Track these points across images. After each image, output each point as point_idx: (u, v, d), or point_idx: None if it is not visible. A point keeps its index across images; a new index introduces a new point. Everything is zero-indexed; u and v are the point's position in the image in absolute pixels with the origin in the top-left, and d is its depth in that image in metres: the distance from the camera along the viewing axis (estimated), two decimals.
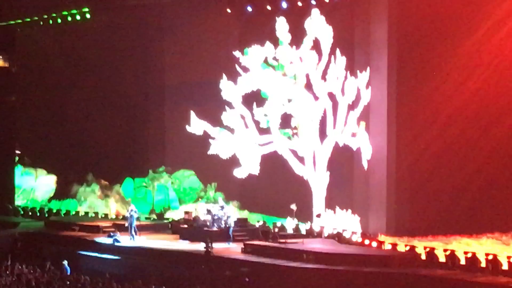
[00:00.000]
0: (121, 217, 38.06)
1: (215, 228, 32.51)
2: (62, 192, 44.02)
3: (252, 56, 36.43)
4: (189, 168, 42.68)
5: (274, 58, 36.31)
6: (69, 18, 41.32)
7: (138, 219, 33.80)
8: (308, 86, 35.86)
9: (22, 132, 44.87)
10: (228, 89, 36.92)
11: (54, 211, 41.11)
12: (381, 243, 30.67)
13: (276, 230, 31.68)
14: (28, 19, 42.42)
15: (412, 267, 27.18)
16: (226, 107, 37.06)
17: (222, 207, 33.10)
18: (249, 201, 39.84)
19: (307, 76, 35.85)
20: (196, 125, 37.42)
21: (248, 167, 36.74)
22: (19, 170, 44.31)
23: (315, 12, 35.40)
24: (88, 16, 40.99)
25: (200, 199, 41.68)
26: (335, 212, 35.00)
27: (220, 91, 37.09)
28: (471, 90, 33.56)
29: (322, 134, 35.80)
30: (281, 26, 36.06)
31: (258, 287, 27.23)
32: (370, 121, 34.80)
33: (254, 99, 36.61)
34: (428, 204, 33.71)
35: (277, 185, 37.95)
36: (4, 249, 33.56)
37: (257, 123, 36.64)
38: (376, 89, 34.50)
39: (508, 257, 26.46)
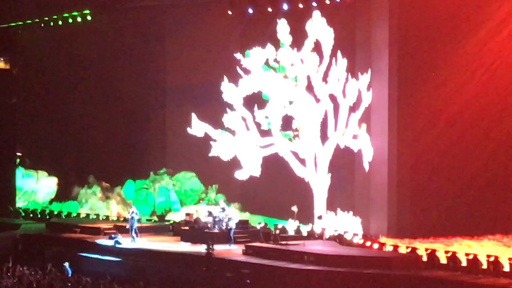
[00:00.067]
0: (122, 219, 38.06)
1: (216, 230, 32.51)
2: (63, 194, 44.05)
3: (253, 58, 36.41)
4: (190, 170, 42.69)
5: (275, 60, 36.29)
6: (70, 20, 41.37)
7: (139, 221, 33.80)
8: (309, 88, 35.84)
9: (23, 134, 44.90)
10: (229, 91, 36.90)
11: (55, 213, 41.15)
12: (382, 245, 30.66)
13: (277, 232, 31.65)
14: (29, 21, 42.49)
15: (413, 269, 27.17)
16: (227, 109, 37.03)
17: (223, 209, 33.11)
18: (250, 203, 39.85)
19: (308, 78, 35.84)
20: (197, 127, 37.39)
21: (249, 169, 36.71)
22: (20, 172, 44.34)
23: (316, 14, 35.40)
24: (89, 18, 41.03)
25: (201, 201, 41.68)
26: (336, 214, 34.96)
27: (221, 93, 37.06)
28: (472, 91, 33.57)
29: (323, 136, 35.79)
30: (282, 28, 36.05)
31: None
32: (371, 123, 34.80)
33: (255, 101, 36.59)
34: (429, 205, 33.70)
35: (278, 187, 37.95)
36: (5, 251, 33.59)
37: (258, 125, 36.61)
38: (377, 91, 34.50)
39: (510, 259, 26.45)
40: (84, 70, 44.01)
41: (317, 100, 35.73)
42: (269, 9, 36.74)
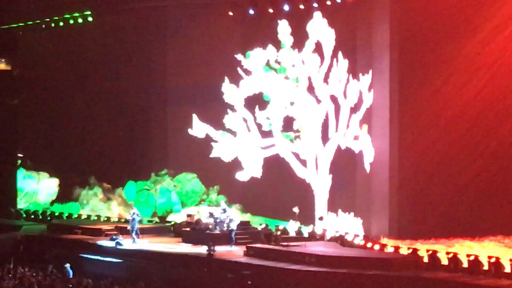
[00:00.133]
0: (123, 220, 38.05)
1: (217, 231, 32.51)
2: (65, 195, 44.05)
3: (254, 59, 36.44)
4: (192, 171, 42.69)
5: (276, 61, 36.32)
6: (71, 21, 41.41)
7: (140, 222, 33.80)
8: (310, 89, 35.85)
9: (24, 135, 44.94)
10: (231, 92, 36.92)
11: (57, 214, 41.15)
12: (383, 246, 30.65)
13: (279, 233, 31.63)
14: (30, 22, 42.52)
15: (414, 270, 27.15)
16: (229, 110, 37.06)
17: (225, 210, 33.11)
18: (252, 204, 39.84)
19: (309, 79, 35.85)
20: (199, 128, 37.42)
21: (251, 170, 36.73)
22: (21, 173, 44.35)
23: (317, 15, 35.42)
24: (90, 19, 41.06)
25: (202, 202, 41.67)
26: (337, 215, 34.98)
27: (223, 94, 37.09)
28: (473, 92, 33.57)
29: (325, 137, 35.80)
30: (283, 29, 36.07)
31: None
32: (372, 124, 34.80)
33: (256, 102, 36.61)
34: (431, 206, 33.69)
35: (279, 188, 37.95)
36: (6, 252, 33.57)
37: (259, 126, 36.63)
38: (378, 92, 34.50)
39: (511, 260, 26.44)
40: (85, 71, 44.02)
41: (318, 101, 35.74)
42: (270, 10, 36.76)
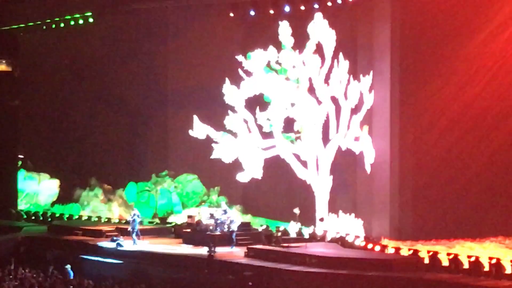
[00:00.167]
0: (124, 221, 38.04)
1: (218, 232, 32.50)
2: (65, 196, 44.03)
3: (255, 60, 36.44)
4: (192, 172, 42.68)
5: (277, 62, 36.32)
6: (72, 23, 41.36)
7: (141, 223, 33.79)
8: (311, 90, 35.86)
9: (25, 136, 44.90)
10: (231, 93, 36.92)
11: (57, 215, 41.12)
12: (384, 247, 30.65)
13: (279, 234, 31.65)
14: (31, 24, 42.46)
15: (415, 271, 27.14)
16: (229, 111, 37.05)
17: (225, 211, 33.11)
18: (252, 205, 39.84)
19: (310, 80, 35.86)
20: (199, 129, 37.41)
21: (251, 171, 36.73)
22: (22, 174, 44.33)
23: (318, 16, 35.42)
24: (91, 20, 41.02)
25: (203, 203, 41.67)
26: (338, 216, 34.98)
27: (223, 95, 37.08)
28: (473, 93, 33.59)
29: (325, 138, 35.80)
30: (284, 30, 36.07)
31: None
32: (373, 125, 34.80)
33: (257, 103, 36.61)
34: (431, 207, 33.69)
35: (280, 189, 37.96)
36: (7, 253, 33.57)
37: (260, 127, 36.63)
38: (379, 93, 34.51)
39: None
40: (86, 72, 44.02)
41: (319, 102, 35.74)
42: (271, 11, 36.73)
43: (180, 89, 43.03)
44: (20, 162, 44.65)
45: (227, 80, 37.02)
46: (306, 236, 33.40)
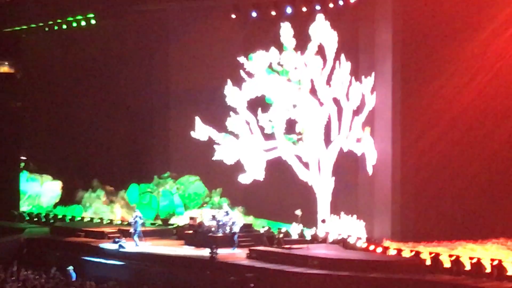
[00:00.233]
0: (126, 222, 38.08)
1: (220, 234, 32.51)
2: (68, 198, 44.09)
3: (257, 61, 36.46)
4: (194, 173, 42.70)
5: (279, 64, 36.34)
6: (74, 24, 41.45)
7: (143, 224, 33.83)
8: (313, 91, 35.87)
9: (27, 138, 44.99)
10: (233, 95, 36.94)
11: (60, 217, 41.18)
12: (386, 248, 30.66)
13: (281, 235, 31.66)
14: (33, 25, 42.56)
15: (417, 273, 27.14)
16: (231, 113, 37.07)
17: (227, 213, 33.11)
18: (254, 206, 39.85)
19: (312, 81, 35.87)
20: (201, 131, 37.44)
21: (253, 172, 36.75)
22: (24, 176, 44.40)
23: (320, 17, 35.44)
24: (93, 22, 41.10)
25: (205, 205, 41.69)
26: (340, 217, 34.98)
27: (225, 96, 37.11)
28: (475, 93, 33.61)
29: (327, 139, 35.81)
30: (286, 31, 36.09)
31: None
32: (375, 127, 34.80)
33: (259, 104, 36.63)
34: (433, 209, 33.69)
35: (282, 191, 37.96)
36: (9, 255, 33.62)
37: (262, 128, 36.66)
38: (381, 94, 34.52)
39: None
40: (88, 74, 44.06)
41: (321, 104, 35.75)
42: (273, 13, 36.79)
43: (182, 90, 43.07)
44: (22, 164, 44.72)
45: (229, 81, 37.05)
46: (308, 237, 33.41)
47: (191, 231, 34.15)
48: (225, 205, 35.46)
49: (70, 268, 29.26)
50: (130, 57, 43.55)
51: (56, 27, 41.90)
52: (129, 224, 34.99)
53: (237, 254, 30.99)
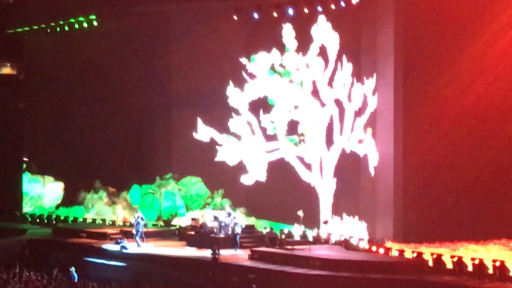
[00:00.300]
0: (128, 224, 38.11)
1: (222, 235, 32.52)
2: (70, 199, 44.10)
3: (259, 63, 36.51)
4: (196, 175, 42.71)
5: (281, 65, 36.38)
6: (76, 26, 41.50)
7: (145, 225, 33.85)
8: (315, 92, 35.90)
9: (29, 139, 45.00)
10: (235, 96, 36.99)
11: (62, 218, 41.18)
12: (388, 249, 30.66)
13: (283, 236, 31.70)
14: (36, 27, 42.61)
15: (419, 274, 27.15)
16: (233, 114, 37.12)
17: (229, 214, 33.13)
18: (256, 207, 39.85)
19: (314, 82, 35.91)
20: (203, 132, 37.50)
21: (255, 173, 36.78)
22: (26, 177, 44.42)
23: (322, 18, 35.48)
24: (95, 23, 41.14)
25: (207, 206, 41.70)
26: (342, 218, 35.00)
27: (227, 98, 37.16)
28: (477, 94, 33.58)
29: (329, 140, 35.83)
30: (288, 32, 36.14)
31: None
32: (377, 128, 34.80)
33: (261, 105, 36.67)
34: (435, 210, 33.66)
35: (284, 192, 37.96)
36: (12, 256, 33.65)
37: (264, 129, 36.70)
38: (383, 96, 34.51)
39: None
40: (90, 75, 44.07)
41: (323, 105, 35.78)
42: (275, 14, 36.81)
43: (184, 91, 43.08)
44: (24, 165, 44.74)
45: (231, 82, 37.10)
46: (310, 238, 33.40)
47: (193, 232, 34.15)
48: (227, 206, 35.49)
49: (72, 269, 29.29)
50: (132, 58, 43.55)
51: (58, 29, 41.94)
52: (131, 225, 35.02)
53: (239, 255, 31.01)
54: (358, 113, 35.12)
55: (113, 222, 39.77)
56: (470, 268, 27.02)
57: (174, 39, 43.52)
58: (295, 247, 30.67)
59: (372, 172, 34.56)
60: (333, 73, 35.33)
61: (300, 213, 32.35)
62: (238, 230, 32.36)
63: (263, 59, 36.41)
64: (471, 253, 30.22)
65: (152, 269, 30.44)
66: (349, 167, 35.77)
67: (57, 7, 41.22)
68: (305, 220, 33.03)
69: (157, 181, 42.98)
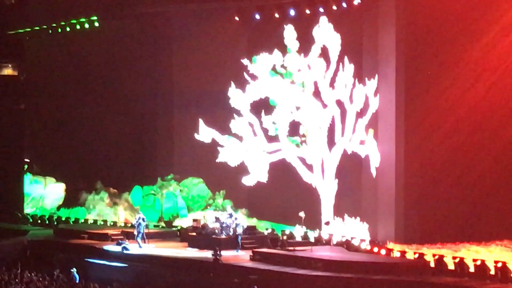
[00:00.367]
0: (129, 225, 38.10)
1: (223, 236, 32.50)
2: (71, 200, 44.11)
3: (260, 64, 36.49)
4: (198, 175, 42.72)
5: (282, 66, 36.36)
6: (78, 27, 41.51)
7: (146, 226, 33.84)
8: (316, 93, 35.88)
9: (31, 140, 45.01)
10: (237, 97, 36.97)
11: (63, 219, 41.18)
12: (390, 250, 30.64)
13: (285, 237, 31.66)
14: (37, 28, 42.62)
15: (421, 275, 27.12)
16: (235, 115, 37.10)
17: (231, 215, 33.09)
18: (258, 208, 39.86)
19: (315, 83, 35.88)
20: (205, 133, 37.47)
21: (257, 174, 36.76)
22: (28, 178, 44.42)
23: (323, 19, 35.46)
24: (96, 24, 41.16)
25: (208, 207, 41.70)
26: (343, 219, 34.98)
27: (229, 99, 37.14)
28: (478, 95, 33.60)
29: (331, 141, 35.81)
30: (289, 33, 36.12)
31: None
32: (378, 129, 34.80)
33: (262, 106, 36.66)
34: (437, 211, 33.67)
35: (285, 193, 37.95)
36: (13, 257, 33.62)
37: (265, 130, 36.67)
38: (384, 97, 34.51)
39: None
40: (91, 76, 44.09)
41: (324, 106, 35.76)
42: (276, 15, 36.83)
43: (185, 93, 43.10)
44: (26, 166, 44.74)
45: (232, 83, 37.08)
46: (312, 239, 33.37)
47: (194, 233, 34.12)
48: (229, 207, 35.47)
49: (74, 270, 29.27)
50: (133, 59, 43.58)
51: (59, 30, 41.96)
52: (132, 226, 35.00)
53: (241, 256, 30.98)
54: (360, 114, 35.11)
55: (115, 223, 39.77)
56: (472, 269, 26.97)
57: (175, 40, 43.54)
58: (297, 248, 30.63)
59: (374, 173, 34.55)
60: (335, 74, 35.32)
61: (302, 214, 32.33)
62: (239, 231, 32.33)
63: (264, 60, 36.39)
64: (473, 254, 30.21)
65: (153, 270, 30.41)
66: (350, 168, 35.75)
67: (59, 8, 41.24)
68: (306, 221, 33.01)
69: (159, 182, 42.99)
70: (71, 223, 40.33)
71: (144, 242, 33.18)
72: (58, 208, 44.12)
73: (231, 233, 32.46)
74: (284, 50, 36.26)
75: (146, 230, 33.53)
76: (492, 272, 26.52)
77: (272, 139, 36.72)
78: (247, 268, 28.86)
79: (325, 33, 35.42)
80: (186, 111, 42.18)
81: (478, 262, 27.00)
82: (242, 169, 37.18)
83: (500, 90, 33.81)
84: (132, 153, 44.36)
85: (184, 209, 42.11)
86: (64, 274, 29.00)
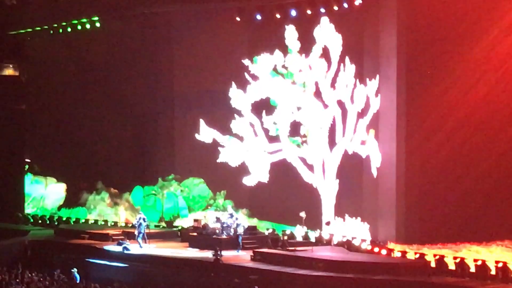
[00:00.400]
0: (130, 225, 38.10)
1: (224, 236, 32.51)
2: (72, 200, 44.11)
3: (261, 64, 36.50)
4: (199, 176, 42.72)
5: (283, 66, 36.37)
6: (79, 27, 41.51)
7: (147, 227, 33.84)
8: (317, 94, 35.89)
9: (32, 141, 45.02)
10: (238, 97, 36.98)
11: (64, 219, 41.18)
12: (390, 250, 30.64)
13: (286, 237, 31.65)
14: (38, 28, 42.62)
15: (421, 275, 27.12)
16: (236, 115, 37.11)
17: (231, 215, 33.10)
18: (258, 209, 39.86)
19: (316, 84, 35.89)
20: (206, 133, 37.47)
21: (257, 175, 36.77)
22: (29, 178, 44.43)
23: (324, 20, 35.46)
24: (97, 24, 41.15)
25: (209, 207, 41.71)
26: (344, 220, 34.98)
27: (230, 99, 37.15)
28: (479, 96, 33.61)
29: (332, 142, 35.82)
30: (290, 34, 36.13)
31: None
32: (379, 129, 34.80)
33: (263, 107, 36.67)
34: (438, 211, 33.66)
35: (286, 193, 37.95)
36: (14, 257, 33.64)
37: (266, 131, 36.68)
38: (385, 97, 34.52)
39: None
40: (92, 76, 44.09)
41: (325, 106, 35.77)
42: (277, 15, 36.82)
43: (186, 93, 43.11)
44: (27, 166, 44.76)
45: (233, 84, 37.09)
46: (312, 239, 33.39)
47: (195, 233, 34.14)
48: (230, 207, 35.44)
49: (74, 270, 29.28)
50: (134, 59, 43.59)
51: (60, 30, 41.94)
52: (133, 226, 35.00)
53: (242, 256, 30.99)
54: (361, 114, 35.12)
55: (115, 223, 39.78)
56: (472, 270, 26.98)
57: (176, 41, 43.55)
58: (298, 248, 30.65)
59: (375, 173, 34.55)
60: (336, 74, 35.32)
61: (303, 214, 32.33)
62: (240, 231, 32.33)
63: (265, 61, 36.41)
64: (473, 254, 30.21)
65: (154, 270, 30.41)
66: (351, 169, 35.76)
67: (60, 8, 41.20)
68: (307, 221, 33.01)
69: (159, 182, 42.99)
70: (72, 223, 40.33)
71: (145, 242, 33.18)
72: (59, 208, 44.13)
73: (231, 233, 32.46)
74: (285, 50, 36.26)
75: (147, 230, 33.54)
76: (493, 272, 26.53)
77: (273, 139, 36.73)
78: (247, 268, 28.87)
79: (326, 33, 35.42)
80: (187, 111, 42.20)
81: (479, 262, 27.01)
82: (243, 169, 37.19)
83: (501, 91, 33.81)
84: (133, 153, 44.37)
85: (185, 209, 42.12)
86: (65, 274, 29.00)
